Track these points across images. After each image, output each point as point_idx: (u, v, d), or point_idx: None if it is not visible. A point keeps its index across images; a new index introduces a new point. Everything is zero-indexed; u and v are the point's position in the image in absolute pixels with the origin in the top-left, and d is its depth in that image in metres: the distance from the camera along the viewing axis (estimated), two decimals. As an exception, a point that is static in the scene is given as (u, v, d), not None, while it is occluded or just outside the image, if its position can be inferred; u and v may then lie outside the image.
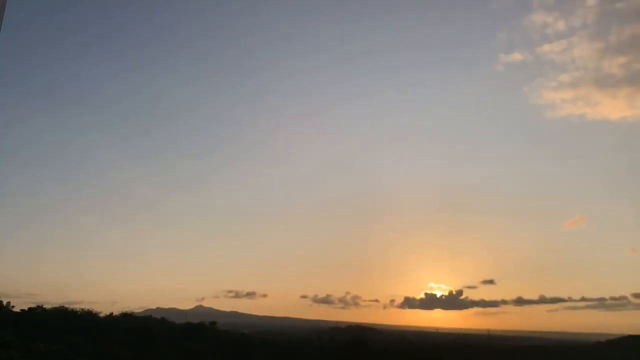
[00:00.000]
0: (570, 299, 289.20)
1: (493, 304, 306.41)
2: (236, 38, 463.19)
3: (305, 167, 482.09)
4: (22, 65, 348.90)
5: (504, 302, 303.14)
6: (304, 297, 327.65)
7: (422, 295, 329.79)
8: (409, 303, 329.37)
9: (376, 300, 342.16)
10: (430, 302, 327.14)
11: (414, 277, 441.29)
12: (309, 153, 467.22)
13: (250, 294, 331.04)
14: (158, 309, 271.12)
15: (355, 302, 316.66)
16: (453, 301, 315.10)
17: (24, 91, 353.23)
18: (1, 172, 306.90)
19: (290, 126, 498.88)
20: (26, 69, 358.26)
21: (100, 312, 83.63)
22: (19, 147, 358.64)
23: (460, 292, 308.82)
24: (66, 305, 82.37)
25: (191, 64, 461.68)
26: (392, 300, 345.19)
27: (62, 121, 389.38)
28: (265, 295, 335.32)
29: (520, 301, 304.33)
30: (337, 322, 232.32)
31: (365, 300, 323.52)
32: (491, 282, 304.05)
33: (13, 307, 78.62)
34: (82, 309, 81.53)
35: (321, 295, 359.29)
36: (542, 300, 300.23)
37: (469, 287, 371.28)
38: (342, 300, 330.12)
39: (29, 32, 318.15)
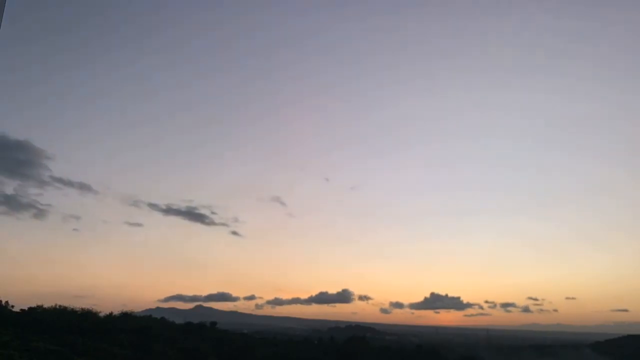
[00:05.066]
0: None
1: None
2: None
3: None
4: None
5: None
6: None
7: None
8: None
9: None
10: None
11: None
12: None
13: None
14: (158, 309, 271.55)
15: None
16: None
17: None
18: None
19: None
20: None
21: (100, 312, 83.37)
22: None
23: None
24: (66, 305, 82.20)
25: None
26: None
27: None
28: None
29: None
30: (336, 322, 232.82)
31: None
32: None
33: (13, 306, 78.43)
34: (82, 308, 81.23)
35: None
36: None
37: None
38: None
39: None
